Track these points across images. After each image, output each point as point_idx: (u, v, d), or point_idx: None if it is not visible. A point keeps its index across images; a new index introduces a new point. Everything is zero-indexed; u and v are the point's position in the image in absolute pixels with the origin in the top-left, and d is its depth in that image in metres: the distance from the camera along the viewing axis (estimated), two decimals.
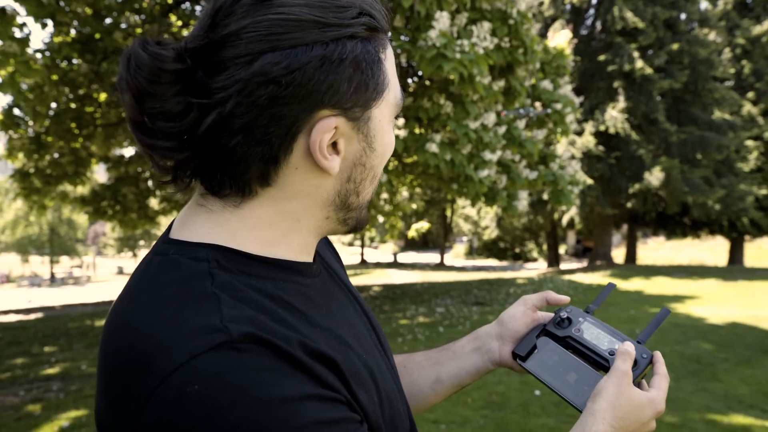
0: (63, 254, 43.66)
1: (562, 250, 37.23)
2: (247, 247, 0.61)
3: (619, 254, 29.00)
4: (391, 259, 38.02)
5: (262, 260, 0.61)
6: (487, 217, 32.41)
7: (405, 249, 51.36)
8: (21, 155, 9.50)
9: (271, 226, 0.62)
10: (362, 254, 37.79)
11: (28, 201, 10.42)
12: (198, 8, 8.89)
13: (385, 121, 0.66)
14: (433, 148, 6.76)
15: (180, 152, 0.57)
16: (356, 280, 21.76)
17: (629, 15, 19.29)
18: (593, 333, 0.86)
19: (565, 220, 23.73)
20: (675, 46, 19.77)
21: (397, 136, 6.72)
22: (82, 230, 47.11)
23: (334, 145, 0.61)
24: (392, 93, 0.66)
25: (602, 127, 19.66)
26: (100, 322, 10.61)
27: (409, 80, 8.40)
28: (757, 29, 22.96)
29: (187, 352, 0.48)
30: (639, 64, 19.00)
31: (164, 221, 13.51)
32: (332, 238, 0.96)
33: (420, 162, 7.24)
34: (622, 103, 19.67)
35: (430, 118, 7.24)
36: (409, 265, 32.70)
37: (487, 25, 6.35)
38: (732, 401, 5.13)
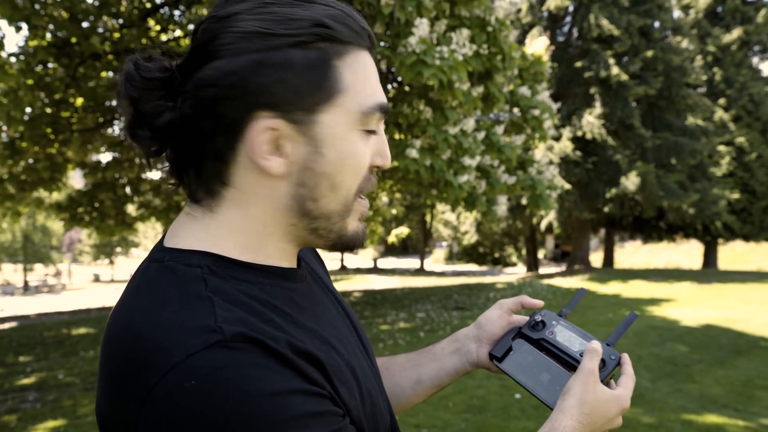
0: (37, 262, 42.85)
1: (540, 254, 37.52)
2: (229, 253, 0.65)
3: (597, 258, 29.33)
4: (371, 265, 38.00)
5: (249, 266, 0.66)
6: (467, 222, 32.54)
7: (385, 254, 51.30)
8: None
9: (244, 232, 0.66)
10: (342, 260, 37.70)
11: (2, 208, 10.23)
12: (177, 12, 8.84)
13: (341, 128, 0.65)
14: (412, 153, 6.79)
15: (155, 144, 0.66)
16: (337, 286, 21.55)
17: (605, 23, 19.59)
18: (565, 335, 0.90)
19: (543, 225, 23.94)
20: (649, 54, 20.11)
21: None
22: (57, 237, 46.30)
23: (279, 147, 0.64)
24: (353, 100, 0.65)
25: (579, 133, 19.92)
26: (77, 331, 10.44)
27: (389, 86, 8.43)
28: (727, 38, 23.52)
29: (184, 350, 0.51)
30: (615, 70, 19.29)
31: (141, 228, 13.36)
32: None
33: (400, 167, 7.26)
34: (598, 109, 19.94)
35: (409, 124, 7.28)
36: (389, 270, 32.72)
37: (465, 32, 6.41)
38: (706, 401, 5.22)
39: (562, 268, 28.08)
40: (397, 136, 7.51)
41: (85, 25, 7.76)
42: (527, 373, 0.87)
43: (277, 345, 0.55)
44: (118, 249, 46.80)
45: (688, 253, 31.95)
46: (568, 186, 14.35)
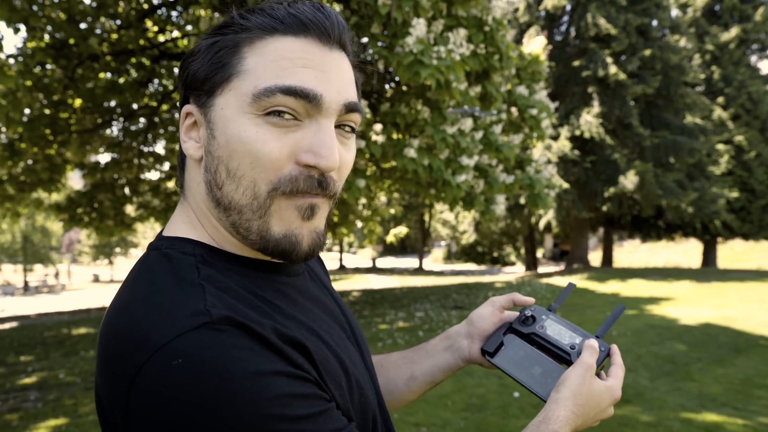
0: (37, 262, 42.80)
1: (539, 253, 37.56)
2: (205, 239, 0.69)
3: (595, 257, 29.36)
4: (369, 264, 38.01)
5: (241, 259, 0.69)
6: (465, 221, 32.55)
7: (383, 254, 51.31)
8: None
9: (200, 220, 0.71)
10: (341, 259, 37.70)
11: (2, 209, 10.23)
12: (174, 13, 8.83)
13: (230, 110, 0.63)
14: (410, 153, 6.80)
15: None
16: (335, 286, 21.61)
17: (602, 21, 19.59)
18: (555, 329, 0.92)
19: (542, 224, 23.95)
20: (647, 52, 20.12)
21: (375, 142, 6.74)
22: (56, 238, 46.24)
23: (194, 132, 0.69)
24: (248, 83, 0.63)
25: (577, 132, 19.91)
26: (78, 331, 10.45)
27: (387, 86, 8.44)
28: (725, 36, 23.52)
29: (173, 331, 0.54)
30: (612, 69, 19.29)
31: (140, 228, 13.36)
32: None
33: (398, 167, 7.26)
34: (596, 108, 19.94)
35: (407, 124, 7.28)
36: (387, 270, 32.72)
37: (463, 32, 6.41)
38: (705, 400, 5.24)
39: (561, 267, 28.10)
40: (395, 136, 7.51)
41: (83, 26, 7.76)
42: (519, 367, 0.89)
43: (263, 330, 0.57)
44: (118, 249, 46.76)
45: (687, 251, 31.98)
46: (566, 185, 14.33)
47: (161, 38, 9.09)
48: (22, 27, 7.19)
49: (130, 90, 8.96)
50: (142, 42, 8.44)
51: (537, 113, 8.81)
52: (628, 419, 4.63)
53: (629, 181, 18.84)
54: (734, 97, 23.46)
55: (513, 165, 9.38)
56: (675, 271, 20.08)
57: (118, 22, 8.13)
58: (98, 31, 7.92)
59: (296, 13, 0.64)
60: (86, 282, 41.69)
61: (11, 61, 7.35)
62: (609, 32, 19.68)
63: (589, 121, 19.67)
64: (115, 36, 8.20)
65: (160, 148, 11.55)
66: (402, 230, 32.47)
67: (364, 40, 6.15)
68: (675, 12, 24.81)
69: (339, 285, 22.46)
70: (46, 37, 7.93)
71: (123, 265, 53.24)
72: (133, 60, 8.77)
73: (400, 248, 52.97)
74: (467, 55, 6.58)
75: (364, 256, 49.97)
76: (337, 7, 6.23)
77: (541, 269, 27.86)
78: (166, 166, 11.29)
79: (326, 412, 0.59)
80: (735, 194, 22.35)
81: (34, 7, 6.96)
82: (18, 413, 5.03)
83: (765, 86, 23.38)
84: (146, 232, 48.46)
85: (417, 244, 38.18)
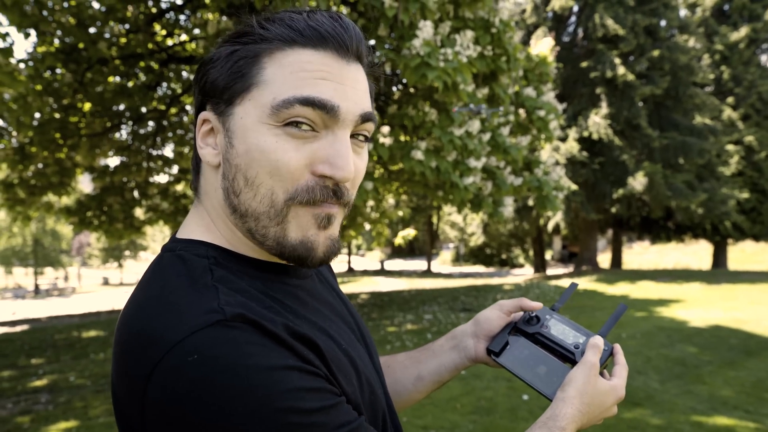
0: (47, 265, 43.04)
1: (548, 255, 37.42)
2: (220, 242, 0.71)
3: (604, 259, 29.21)
4: (378, 267, 37.99)
5: (253, 261, 0.71)
6: (473, 223, 32.51)
7: (392, 256, 51.28)
8: (5, 166, 9.42)
9: (215, 223, 0.72)
10: (349, 262, 37.71)
11: (12, 212, 10.31)
12: (182, 17, 8.88)
13: (249, 119, 0.65)
14: (418, 155, 6.80)
15: None
16: (343, 288, 21.71)
17: (610, 22, 19.51)
18: (559, 329, 0.94)
19: (550, 226, 23.87)
20: (656, 53, 20.02)
21: (382, 144, 6.74)
22: (66, 241, 46.48)
23: (212, 138, 0.70)
24: (268, 94, 0.64)
25: (585, 133, 19.83)
26: (88, 334, 10.51)
27: (394, 88, 8.44)
28: (735, 36, 23.36)
29: (188, 328, 0.56)
30: (621, 70, 19.21)
31: (150, 231, 13.44)
32: None
33: (406, 169, 7.26)
34: (604, 109, 19.86)
35: (415, 126, 7.28)
36: (396, 272, 32.70)
37: (470, 34, 6.41)
38: (716, 403, 5.20)
39: (570, 269, 27.98)
40: (402, 138, 7.51)
41: (92, 30, 7.82)
42: (525, 366, 0.91)
43: (274, 327, 0.59)
44: (127, 252, 46.94)
45: (697, 253, 31.76)
46: (574, 187, 14.26)
47: (169, 42, 9.15)
48: (33, 32, 7.26)
49: (138, 93, 9.03)
50: (150, 46, 8.49)
51: (545, 115, 8.80)
52: (638, 422, 4.60)
53: (638, 182, 18.74)
54: (744, 97, 23.28)
55: (521, 167, 9.36)
56: (685, 273, 19.94)
57: (127, 26, 8.19)
58: (107, 36, 7.98)
59: (316, 26, 0.66)
60: (96, 285, 41.92)
61: (21, 65, 7.42)
62: (617, 33, 19.59)
63: (598, 122, 19.59)
64: (123, 40, 8.26)
65: (168, 151, 11.64)
66: (410, 232, 32.41)
67: (371, 42, 6.16)
68: (683, 12, 24.69)
69: (347, 287, 22.48)
70: (56, 41, 7.99)
71: (132, 268, 53.52)
72: (142, 64, 8.83)
73: (409, 250, 52.93)
74: (474, 57, 6.58)
75: (372, 259, 49.97)
76: (345, 10, 6.24)
77: (549, 271, 27.75)
78: (175, 169, 11.35)
79: (337, 405, 0.60)
80: (745, 195, 22.16)
81: (44, 12, 7.02)
82: (29, 416, 5.07)
83: None
84: (155, 235, 48.76)
85: (425, 246, 38.14)
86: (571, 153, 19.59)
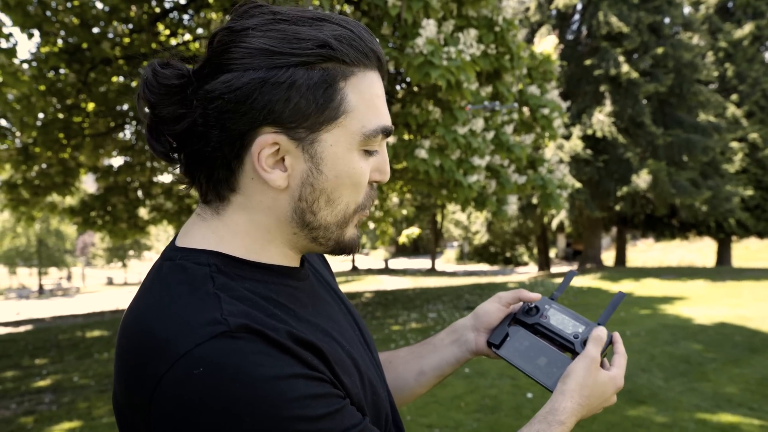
0: (51, 265, 43.22)
1: (552, 253, 37.36)
2: (234, 252, 0.69)
3: (608, 257, 29.16)
4: (382, 266, 37.97)
5: (254, 265, 0.70)
6: (478, 222, 32.45)
7: (396, 255, 51.30)
8: (8, 166, 9.44)
9: (249, 235, 0.70)
10: (353, 261, 37.73)
11: (16, 212, 10.34)
12: (186, 17, 8.89)
13: (341, 147, 0.67)
14: (422, 154, 6.79)
15: (166, 155, 0.71)
16: (348, 287, 21.73)
17: (614, 20, 19.46)
18: (558, 319, 0.95)
19: (554, 224, 23.84)
20: (660, 50, 19.96)
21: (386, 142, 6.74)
22: (70, 241, 46.67)
23: (283, 161, 0.67)
24: (356, 122, 0.67)
25: (589, 131, 19.80)
26: (91, 334, 10.54)
27: (398, 87, 8.44)
28: (739, 33, 23.28)
29: (192, 341, 0.56)
30: (624, 68, 19.16)
31: (153, 231, 13.46)
32: None
33: (410, 168, 7.26)
34: (608, 107, 19.81)
35: (418, 124, 7.28)
36: (400, 271, 32.71)
37: (473, 32, 6.40)
38: (721, 400, 5.18)
39: (574, 267, 27.93)
40: (406, 137, 7.51)
41: (95, 30, 7.84)
42: (525, 358, 0.91)
43: (278, 335, 0.59)
44: (131, 252, 47.11)
45: (701, 250, 31.71)
46: (578, 185, 14.27)
47: (173, 41, 9.16)
48: (36, 32, 7.27)
49: None
50: (154, 45, 8.50)
51: (549, 113, 8.78)
52: (643, 420, 4.59)
53: (642, 180, 18.70)
54: (748, 95, 23.21)
55: (525, 165, 9.34)
56: (689, 270, 19.90)
57: (131, 26, 8.21)
58: (111, 36, 8.00)
59: (374, 48, 0.69)
60: (100, 285, 42.08)
61: (25, 66, 7.44)
62: (621, 30, 19.55)
63: (602, 120, 19.54)
64: (127, 40, 8.28)
65: None
66: (414, 231, 32.44)
67: None
68: (687, 9, 24.60)
69: (351, 286, 22.49)
70: (60, 42, 8.01)
71: (136, 268, 53.68)
72: (145, 63, 8.82)
73: (413, 249, 52.93)
74: (478, 56, 6.57)
75: (376, 257, 49.98)
76: (348, 9, 6.24)
77: (554, 269, 27.72)
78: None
79: (343, 409, 0.61)
80: (750, 192, 22.11)
81: (48, 13, 7.04)
82: (33, 416, 5.08)
83: None
84: (159, 235, 48.82)
85: (429, 244, 38.12)
86: (575, 151, 19.56)
